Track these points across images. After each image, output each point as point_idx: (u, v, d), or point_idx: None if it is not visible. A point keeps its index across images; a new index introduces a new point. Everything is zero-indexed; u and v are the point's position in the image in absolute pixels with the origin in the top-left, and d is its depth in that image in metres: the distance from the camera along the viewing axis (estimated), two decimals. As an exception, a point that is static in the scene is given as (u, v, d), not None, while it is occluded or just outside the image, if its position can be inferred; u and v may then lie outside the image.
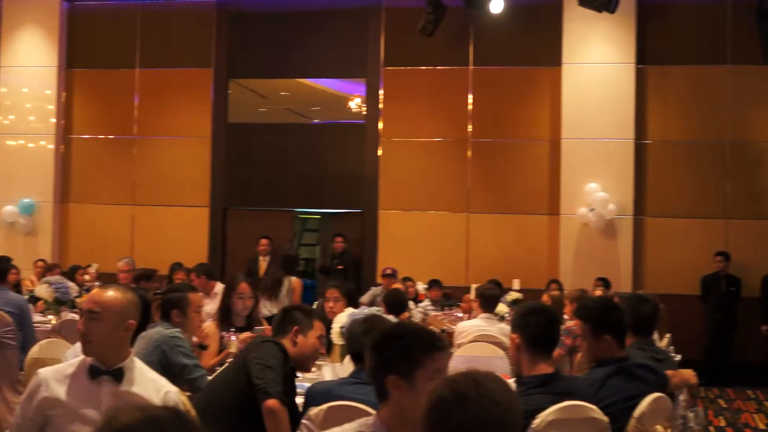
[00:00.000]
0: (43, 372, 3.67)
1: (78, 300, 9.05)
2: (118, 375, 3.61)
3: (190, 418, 1.82)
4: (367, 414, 3.67)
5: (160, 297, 5.41)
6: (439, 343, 2.93)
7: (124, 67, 14.70)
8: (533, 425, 3.88)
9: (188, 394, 4.97)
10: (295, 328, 4.67)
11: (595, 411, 4.11)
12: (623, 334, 4.68)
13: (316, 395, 4.14)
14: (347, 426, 3.01)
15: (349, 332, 4.46)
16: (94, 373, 3.60)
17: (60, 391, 3.58)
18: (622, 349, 4.65)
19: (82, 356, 3.67)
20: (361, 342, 4.14)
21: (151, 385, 3.65)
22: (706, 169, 13.09)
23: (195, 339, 5.66)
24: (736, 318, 12.54)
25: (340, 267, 13.37)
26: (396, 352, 2.86)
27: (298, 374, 5.42)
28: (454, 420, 2.12)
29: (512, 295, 10.93)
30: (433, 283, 12.02)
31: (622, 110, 13.01)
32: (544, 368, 4.08)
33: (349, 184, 14.16)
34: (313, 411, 3.96)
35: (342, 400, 4.02)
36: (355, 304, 6.29)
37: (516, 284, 12.57)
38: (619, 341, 4.63)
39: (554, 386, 4.05)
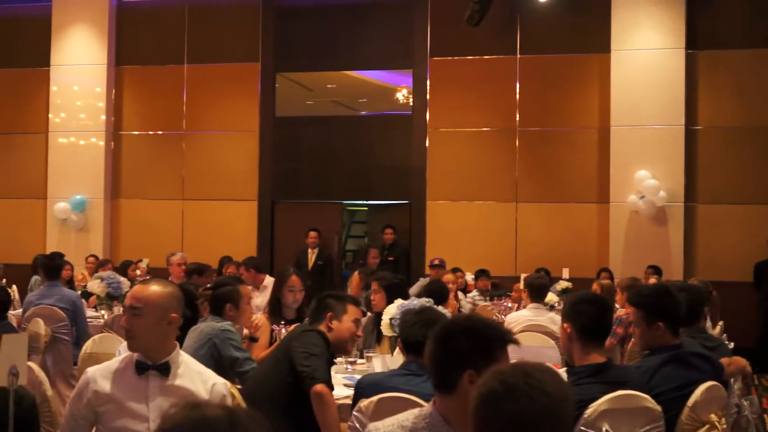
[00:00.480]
0: (92, 370, 3.71)
1: (129, 295, 9.13)
2: (165, 369, 3.63)
3: (244, 419, 1.82)
4: (419, 405, 3.69)
5: (210, 292, 5.44)
6: (512, 338, 2.95)
7: (172, 63, 14.81)
8: (585, 415, 3.85)
9: (240, 386, 5.02)
10: (329, 314, 4.73)
11: (648, 400, 4.08)
12: (677, 321, 4.63)
13: (367, 387, 4.14)
14: (401, 416, 3.01)
15: (402, 323, 4.45)
16: (140, 368, 3.62)
17: (108, 387, 3.61)
18: (676, 337, 4.61)
19: (129, 352, 3.70)
20: (415, 333, 4.12)
21: (197, 378, 3.68)
22: (758, 155, 12.91)
23: (246, 331, 5.70)
24: (791, 305, 12.36)
25: (390, 258, 13.40)
26: (474, 347, 2.87)
27: (348, 366, 5.47)
28: (505, 412, 2.11)
29: (562, 285, 10.85)
30: (481, 273, 11.96)
31: (672, 96, 12.86)
32: (597, 357, 4.06)
33: (397, 175, 14.16)
34: (364, 403, 3.97)
35: (393, 392, 4.01)
36: (403, 296, 6.27)
37: (565, 273, 12.47)
38: (673, 329, 4.59)
39: (606, 375, 4.03)
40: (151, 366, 3.62)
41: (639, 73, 12.96)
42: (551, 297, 8.25)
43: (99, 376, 3.65)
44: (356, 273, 10.38)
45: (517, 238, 13.52)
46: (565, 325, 4.12)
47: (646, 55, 12.98)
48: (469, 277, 12.20)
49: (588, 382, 3.99)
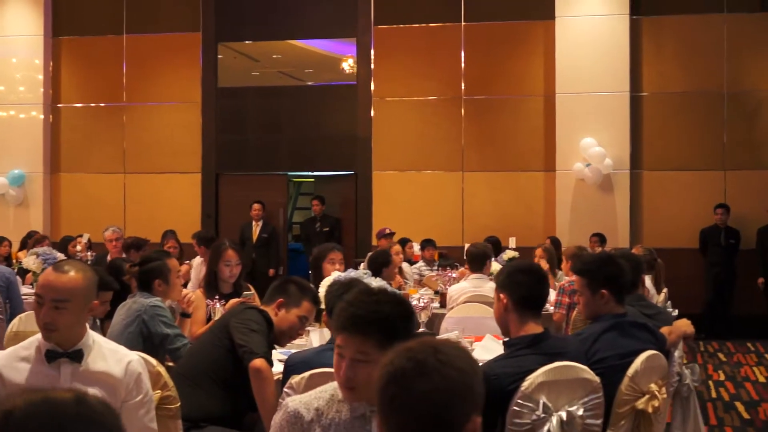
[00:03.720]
0: None
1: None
2: (78, 356, 3.42)
3: (92, 401, 1.66)
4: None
5: (136, 268, 5.26)
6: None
7: (111, 34, 14.50)
8: (523, 387, 3.76)
9: (171, 363, 4.88)
10: (280, 300, 4.60)
11: (586, 371, 4.00)
12: (621, 289, 4.57)
13: (296, 365, 4.03)
14: (322, 387, 2.98)
15: (327, 294, 4.36)
16: (51, 357, 3.40)
17: (17, 378, 3.39)
18: (621, 305, 4.55)
19: (36, 337, 3.47)
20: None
21: (111, 357, 3.47)
22: (704, 120, 12.95)
23: (173, 305, 5.54)
24: (736, 271, 12.44)
25: (326, 229, 13.34)
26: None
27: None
28: (416, 390, 1.99)
29: (508, 254, 10.81)
30: (427, 243, 11.86)
31: (617, 63, 12.83)
32: (534, 328, 3.96)
33: (343, 146, 14.02)
34: (295, 379, 3.85)
35: (324, 368, 3.90)
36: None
37: (512, 242, 12.48)
38: (617, 297, 4.53)
39: (544, 346, 3.94)
40: (63, 354, 3.40)
41: (583, 40, 12.91)
42: (496, 266, 8.17)
43: (3, 365, 3.41)
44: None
45: (463, 208, 13.46)
46: (501, 295, 4.01)
47: (590, 21, 12.93)
48: (417, 247, 12.12)
49: (525, 353, 3.90)
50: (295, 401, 2.95)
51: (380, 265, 7.28)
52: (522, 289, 3.97)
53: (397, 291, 3.35)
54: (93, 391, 3.36)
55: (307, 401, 2.93)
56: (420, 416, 1.98)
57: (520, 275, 4.03)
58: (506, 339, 4.05)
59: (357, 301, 2.88)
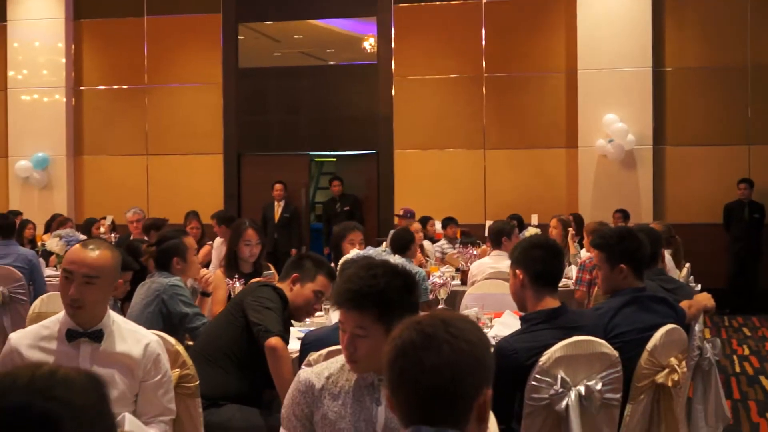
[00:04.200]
0: (15, 337, 3.46)
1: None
2: (98, 336, 3.42)
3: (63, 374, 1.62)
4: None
5: (153, 248, 5.27)
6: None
7: (132, 16, 14.53)
8: (540, 362, 3.75)
9: (191, 342, 4.90)
10: (295, 275, 4.60)
11: (604, 345, 3.98)
12: (640, 264, 4.56)
13: (312, 342, 4.03)
14: (337, 357, 3.03)
15: (341, 272, 4.38)
16: (72, 336, 3.40)
17: (36, 356, 3.37)
18: (640, 280, 4.53)
19: (58, 317, 3.47)
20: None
21: (131, 338, 3.48)
22: (726, 95, 12.84)
23: (194, 284, 5.56)
24: (760, 245, 12.36)
25: (346, 208, 13.36)
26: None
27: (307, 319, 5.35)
28: (426, 364, 1.98)
29: (531, 231, 10.76)
30: (449, 221, 11.88)
31: (639, 38, 12.73)
32: (551, 302, 3.96)
33: (364, 125, 14.02)
34: (313, 356, 3.85)
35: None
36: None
37: (534, 219, 12.44)
38: (636, 272, 4.52)
39: (561, 321, 3.93)
40: (83, 333, 3.40)
41: (605, 15, 12.81)
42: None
43: (24, 345, 3.41)
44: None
45: (486, 186, 13.43)
46: (517, 271, 4.00)
47: (613, -4, 12.84)
48: (438, 225, 12.11)
49: (542, 328, 3.89)
50: (306, 371, 2.99)
51: (403, 244, 7.27)
52: (538, 265, 3.96)
53: (402, 264, 3.36)
54: (111, 371, 3.40)
55: (318, 371, 2.98)
56: (429, 389, 1.97)
57: (535, 251, 4.01)
58: (524, 314, 4.04)
59: (353, 276, 2.90)
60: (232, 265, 6.20)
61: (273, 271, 6.36)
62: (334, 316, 5.50)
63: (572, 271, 7.92)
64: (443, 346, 1.99)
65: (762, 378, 8.09)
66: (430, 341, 2.00)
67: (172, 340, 3.88)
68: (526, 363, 3.72)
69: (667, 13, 12.95)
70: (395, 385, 2.02)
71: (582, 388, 3.81)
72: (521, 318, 4.05)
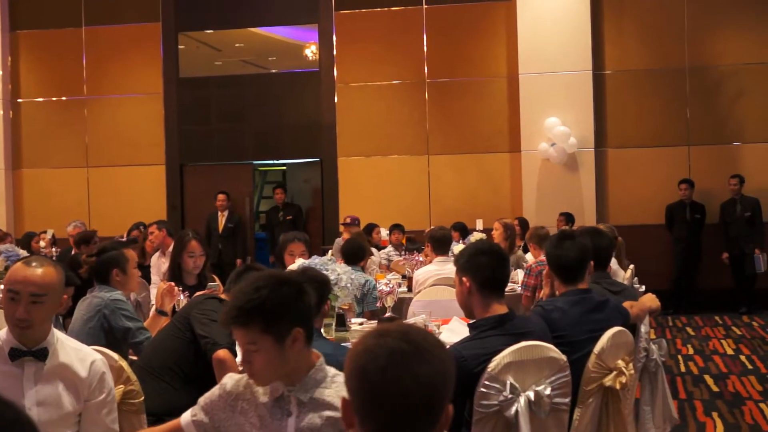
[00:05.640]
0: None
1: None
2: (42, 354, 3.34)
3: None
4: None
5: (93, 259, 5.16)
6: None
7: (70, 26, 14.33)
8: (489, 368, 3.73)
9: (135, 357, 4.82)
10: None
11: (552, 350, 3.98)
12: (585, 266, 4.58)
13: None
14: None
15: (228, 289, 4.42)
16: (15, 355, 3.31)
17: None
18: (583, 282, 4.55)
19: None
20: None
21: (75, 356, 3.41)
22: (666, 97, 13.00)
23: (137, 298, 5.47)
24: (702, 245, 12.51)
25: (289, 218, 13.33)
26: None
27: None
28: (418, 373, 1.94)
29: (476, 236, 10.78)
30: (395, 228, 11.86)
31: (579, 41, 12.84)
32: (498, 308, 3.94)
33: (308, 133, 13.97)
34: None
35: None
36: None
37: (479, 224, 12.48)
38: (576, 275, 4.53)
39: (509, 326, 3.92)
40: (27, 352, 3.32)
41: (545, 20, 12.89)
42: (459, 248, 8.11)
43: None
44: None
45: (430, 191, 13.45)
46: (464, 278, 3.97)
47: (551, 1, 12.90)
48: (384, 232, 12.09)
49: (491, 334, 3.87)
50: (233, 377, 2.99)
51: (355, 253, 7.22)
52: (485, 271, 3.93)
53: (289, 273, 3.36)
54: (56, 390, 3.32)
55: (239, 378, 2.97)
56: (415, 400, 1.93)
57: (481, 257, 3.98)
58: (472, 321, 4.02)
59: (238, 292, 2.87)
60: (176, 277, 6.11)
61: (218, 282, 6.27)
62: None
63: (518, 275, 7.94)
64: (432, 356, 1.97)
65: (707, 377, 8.18)
66: (421, 351, 1.97)
67: (115, 355, 3.81)
68: (475, 370, 3.70)
69: (607, 17, 13.08)
70: (377, 395, 1.95)
71: (531, 394, 3.80)
72: (470, 325, 4.03)
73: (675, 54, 12.95)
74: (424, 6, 13.52)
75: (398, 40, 13.67)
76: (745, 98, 12.77)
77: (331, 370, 2.90)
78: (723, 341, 10.10)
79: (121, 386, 3.73)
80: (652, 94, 13.03)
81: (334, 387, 2.84)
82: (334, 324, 5.38)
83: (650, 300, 5.15)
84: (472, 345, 3.84)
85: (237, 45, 15.03)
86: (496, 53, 13.41)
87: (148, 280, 8.09)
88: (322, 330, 4.69)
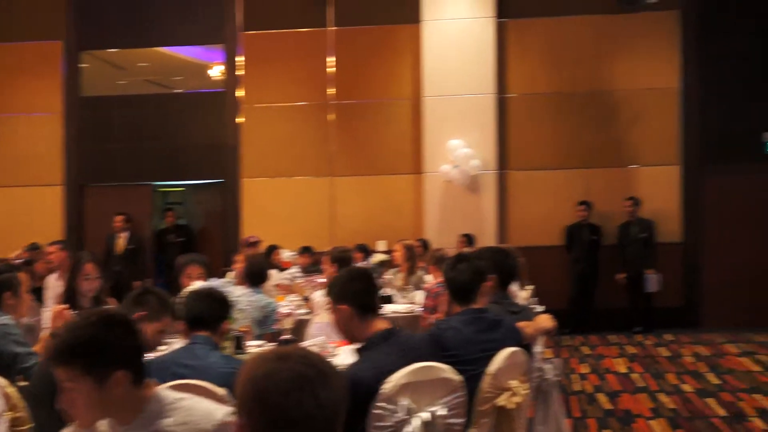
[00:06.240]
0: None
1: None
2: None
3: None
4: (208, 391, 3.55)
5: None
6: None
7: (-33, 44, 14.00)
8: (384, 390, 3.75)
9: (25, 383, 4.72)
10: (140, 313, 4.48)
11: (447, 371, 4.03)
12: (479, 287, 4.66)
13: (153, 371, 3.96)
14: None
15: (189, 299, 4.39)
16: None
17: None
18: (478, 302, 4.63)
19: None
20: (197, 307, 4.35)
21: None
22: (567, 120, 13.24)
23: (30, 322, 5.36)
24: (598, 266, 12.77)
25: (180, 239, 13.25)
26: None
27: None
28: (322, 398, 1.95)
29: (378, 257, 10.84)
30: (305, 250, 11.85)
31: (483, 65, 13.01)
32: (380, 325, 4.02)
33: (211, 154, 13.86)
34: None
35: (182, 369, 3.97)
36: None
37: (382, 246, 12.53)
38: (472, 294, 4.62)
39: (394, 341, 3.99)
40: None
41: (450, 43, 13.04)
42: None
43: None
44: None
45: (334, 213, 13.46)
46: (341, 307, 4.01)
47: (456, 24, 13.07)
48: (287, 254, 12.05)
49: (381, 350, 3.93)
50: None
51: (259, 274, 7.17)
52: (362, 296, 4.02)
53: (118, 311, 3.32)
54: None
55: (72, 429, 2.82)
56: (318, 424, 1.95)
57: (355, 283, 4.07)
58: (360, 345, 4.04)
59: (65, 327, 2.74)
60: (71, 300, 6.00)
61: (114, 305, 6.18)
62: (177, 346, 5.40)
63: (417, 296, 8.00)
64: (333, 381, 1.99)
65: (600, 395, 8.34)
66: (324, 376, 1.99)
67: (3, 381, 3.73)
68: (374, 387, 3.73)
69: (511, 41, 13.30)
70: (281, 422, 1.96)
71: (426, 414, 3.84)
72: (358, 349, 4.05)
73: (576, 79, 13.22)
74: (331, 28, 13.56)
75: (304, 62, 13.68)
76: (641, 123, 13.10)
77: (169, 396, 2.80)
78: (616, 360, 10.32)
79: (9, 413, 3.65)
80: (553, 117, 13.27)
81: (177, 413, 2.74)
82: (231, 347, 5.35)
83: (545, 320, 5.25)
84: (365, 366, 3.86)
85: (141, 64, 14.85)
86: (402, 75, 13.51)
87: (41, 302, 7.92)
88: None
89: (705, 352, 10.70)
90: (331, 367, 2.04)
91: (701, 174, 12.97)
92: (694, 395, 8.23)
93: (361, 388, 3.67)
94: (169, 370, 3.94)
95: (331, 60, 13.59)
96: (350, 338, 4.10)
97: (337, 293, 4.06)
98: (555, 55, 13.30)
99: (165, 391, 2.83)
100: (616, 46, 13.21)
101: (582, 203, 12.79)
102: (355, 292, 4.01)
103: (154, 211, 14.70)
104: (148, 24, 13.93)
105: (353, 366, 3.91)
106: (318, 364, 2.01)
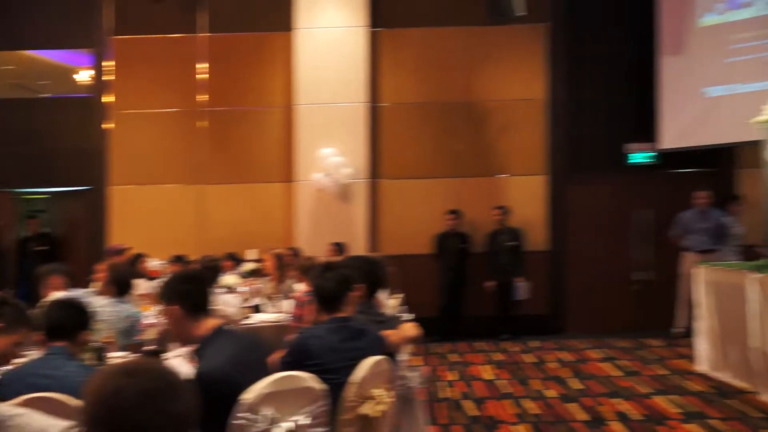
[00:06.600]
0: None
1: None
2: None
3: None
4: (62, 403, 3.49)
5: None
6: None
7: None
8: (246, 399, 3.74)
9: None
10: (1, 325, 4.36)
11: (311, 380, 4.05)
12: (344, 295, 4.71)
13: (7, 384, 3.88)
14: None
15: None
16: None
17: None
18: (344, 311, 4.66)
19: None
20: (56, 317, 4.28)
21: None
22: (438, 130, 13.41)
23: None
24: (467, 274, 12.97)
25: (43, 248, 12.94)
26: None
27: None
28: (173, 412, 1.93)
29: (248, 266, 10.78)
30: (177, 259, 11.67)
31: (356, 74, 13.09)
32: (212, 323, 4.10)
33: (79, 160, 13.55)
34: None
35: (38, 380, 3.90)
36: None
37: (253, 254, 12.46)
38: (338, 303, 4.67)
39: (230, 334, 4.12)
40: None
41: (323, 51, 13.08)
42: (232, 279, 8.12)
43: None
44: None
45: (204, 221, 13.33)
46: (172, 307, 4.10)
47: (330, 33, 13.12)
48: (155, 262, 11.86)
49: (220, 342, 3.99)
50: None
51: (126, 283, 7.04)
52: (192, 297, 4.12)
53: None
54: None
55: None
56: None
57: (186, 285, 4.17)
58: (196, 345, 4.06)
59: None
60: None
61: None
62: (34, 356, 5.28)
63: (284, 305, 7.99)
64: (184, 393, 1.97)
65: (466, 402, 8.46)
66: (174, 389, 1.97)
67: None
68: (223, 381, 3.77)
69: (384, 50, 13.41)
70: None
71: (288, 424, 3.85)
72: (196, 350, 4.07)
73: (447, 89, 13.40)
74: (203, 34, 13.44)
75: (175, 68, 13.51)
76: (510, 133, 13.37)
77: (3, 413, 2.73)
78: (482, 366, 10.49)
79: None
80: (425, 127, 13.43)
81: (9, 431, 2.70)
82: (93, 358, 5.25)
83: (410, 329, 5.33)
84: (209, 362, 3.88)
85: (6, 67, 14.41)
86: (275, 83, 13.48)
87: None
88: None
89: (569, 357, 10.98)
90: (179, 378, 2.03)
91: (566, 183, 13.33)
92: (557, 400, 8.44)
93: (212, 385, 3.67)
94: (24, 381, 3.88)
95: (203, 66, 13.47)
96: (183, 339, 4.18)
97: (167, 294, 4.15)
98: (427, 65, 13.47)
99: (1, 407, 2.76)
100: (486, 57, 13.45)
101: (451, 212, 12.98)
102: (186, 292, 4.10)
103: (17, 219, 14.27)
104: (15, 26, 13.56)
105: (199, 368, 3.89)
106: (166, 376, 2.00)
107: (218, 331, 4.06)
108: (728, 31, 12.40)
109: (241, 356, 3.96)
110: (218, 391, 3.69)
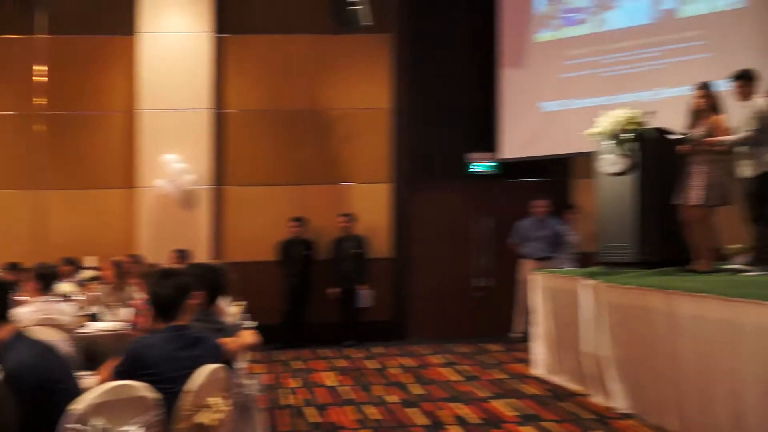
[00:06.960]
0: None
1: None
2: None
3: None
4: None
5: None
6: None
7: None
8: (75, 410, 3.66)
9: None
10: None
11: (143, 389, 3.99)
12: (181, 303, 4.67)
13: None
14: None
15: None
16: None
17: None
18: (181, 319, 4.62)
19: None
20: None
21: None
22: (284, 137, 13.42)
23: None
24: (311, 281, 13.02)
25: None
26: None
27: None
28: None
29: (86, 273, 10.53)
30: (12, 267, 11.28)
31: (201, 79, 12.99)
32: (7, 331, 3.95)
33: None
34: None
35: None
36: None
37: (92, 261, 12.17)
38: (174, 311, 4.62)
39: (25, 338, 4.01)
40: None
41: (167, 56, 12.92)
42: (68, 287, 7.91)
43: None
44: None
45: (40, 228, 12.93)
46: None
47: (174, 38, 12.98)
48: (-12, 271, 11.44)
49: (20, 346, 3.88)
50: None
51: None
52: None
53: None
54: None
55: None
56: None
57: None
58: None
59: None
60: None
61: None
62: None
63: (122, 313, 7.86)
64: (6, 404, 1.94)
65: (308, 409, 8.47)
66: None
67: None
68: (32, 375, 3.72)
69: (229, 56, 13.32)
70: None
71: (121, 434, 3.79)
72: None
73: (293, 96, 13.43)
74: (39, 35, 13.05)
75: (13, 70, 13.11)
76: (355, 141, 13.49)
77: None
78: (324, 373, 10.53)
79: None
80: (270, 133, 13.42)
81: None
82: None
83: (248, 336, 5.32)
84: (14, 360, 3.78)
85: None
86: (116, 87, 13.21)
87: None
88: None
89: (411, 363, 11.14)
90: None
91: (410, 192, 13.54)
92: (398, 405, 8.55)
93: (24, 377, 3.65)
94: None
95: (41, 69, 13.08)
96: None
97: None
98: (273, 72, 13.47)
99: None
100: (332, 65, 13.54)
101: (295, 219, 13.00)
102: None
103: None
104: None
105: (6, 369, 3.78)
106: None
107: (18, 336, 3.96)
108: (563, 47, 12.87)
109: (45, 353, 3.91)
110: (32, 383, 3.65)
